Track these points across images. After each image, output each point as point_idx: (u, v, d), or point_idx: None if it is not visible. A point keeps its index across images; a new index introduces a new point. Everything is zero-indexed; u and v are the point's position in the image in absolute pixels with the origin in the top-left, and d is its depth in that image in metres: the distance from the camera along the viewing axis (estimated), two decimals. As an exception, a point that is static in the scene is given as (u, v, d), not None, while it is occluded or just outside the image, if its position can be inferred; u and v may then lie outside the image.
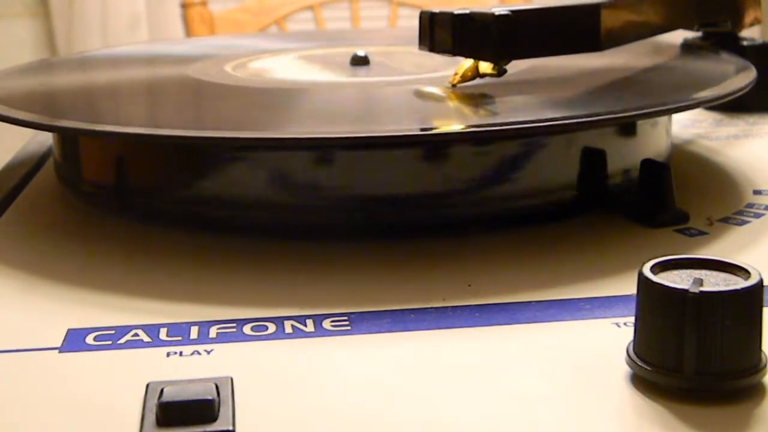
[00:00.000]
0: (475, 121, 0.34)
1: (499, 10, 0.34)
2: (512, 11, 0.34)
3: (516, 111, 0.34)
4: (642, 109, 0.31)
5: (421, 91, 0.37)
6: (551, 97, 0.36)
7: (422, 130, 0.31)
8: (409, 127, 0.32)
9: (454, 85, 0.37)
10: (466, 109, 0.35)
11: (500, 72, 0.36)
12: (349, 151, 0.32)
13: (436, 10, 0.36)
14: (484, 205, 0.33)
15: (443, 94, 0.36)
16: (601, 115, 0.31)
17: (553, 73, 0.40)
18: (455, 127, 0.32)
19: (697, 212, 0.34)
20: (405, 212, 0.32)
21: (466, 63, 0.37)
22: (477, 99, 0.35)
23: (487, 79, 0.37)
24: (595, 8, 0.37)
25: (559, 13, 0.37)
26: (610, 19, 0.37)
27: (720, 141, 0.45)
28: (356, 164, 0.32)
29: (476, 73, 0.36)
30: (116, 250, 0.32)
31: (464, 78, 0.37)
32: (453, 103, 0.35)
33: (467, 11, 0.35)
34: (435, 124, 0.33)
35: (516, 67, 0.39)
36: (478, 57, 0.36)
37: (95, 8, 1.45)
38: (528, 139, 0.33)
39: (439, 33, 0.36)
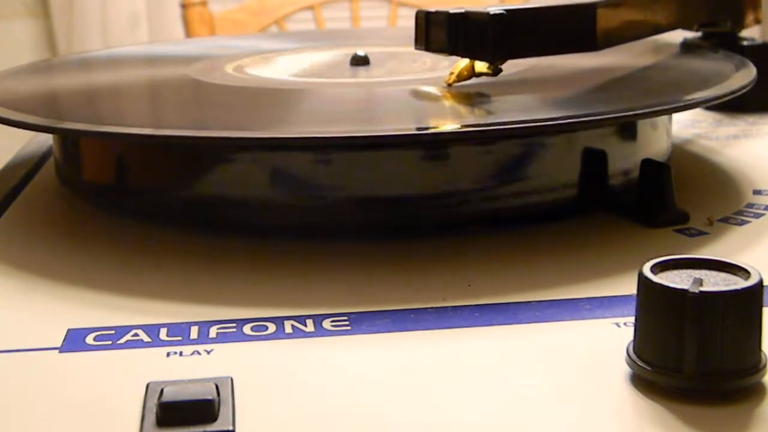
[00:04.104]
0: (472, 120, 0.34)
1: (495, 9, 0.34)
2: (507, 11, 0.34)
3: (513, 111, 0.34)
4: (641, 108, 0.31)
5: (417, 91, 0.37)
6: (549, 97, 0.36)
7: (419, 129, 0.31)
8: (406, 127, 0.32)
9: (450, 85, 0.37)
10: (463, 109, 0.35)
11: (496, 71, 0.36)
12: (348, 151, 0.32)
13: (433, 9, 0.36)
14: (484, 205, 0.33)
15: (440, 94, 0.36)
16: (600, 115, 0.31)
17: (551, 73, 0.40)
18: (451, 126, 0.32)
19: (697, 212, 0.34)
20: (405, 212, 0.32)
21: (462, 62, 0.37)
22: (474, 98, 0.35)
23: (484, 79, 0.37)
24: (591, 8, 0.37)
25: (555, 13, 0.37)
26: (606, 19, 0.37)
27: (720, 141, 0.45)
28: (356, 164, 0.32)
29: (472, 73, 0.36)
30: (116, 250, 0.32)
31: (460, 77, 0.37)
32: (450, 103, 0.35)
33: (463, 10, 0.35)
34: (432, 123, 0.33)
35: (514, 66, 0.39)
36: (473, 56, 0.36)
37: (95, 8, 1.45)
38: (528, 139, 0.33)
39: (435, 32, 0.36)
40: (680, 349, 0.20)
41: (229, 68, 0.44)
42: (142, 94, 0.43)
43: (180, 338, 0.25)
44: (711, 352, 0.20)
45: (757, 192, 0.37)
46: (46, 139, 0.49)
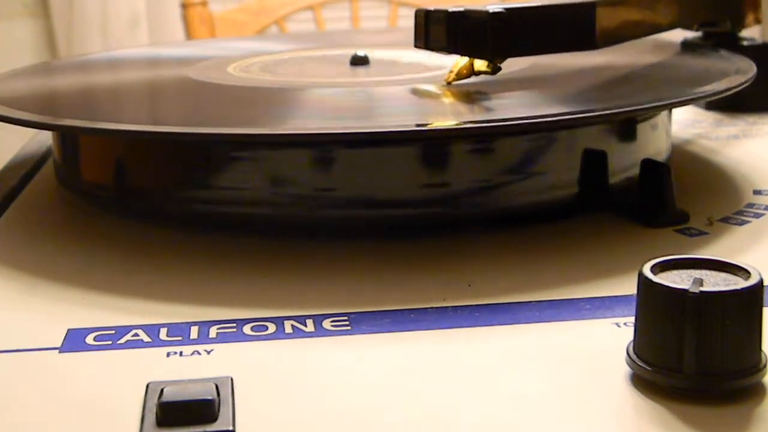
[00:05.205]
0: (471, 118, 0.34)
1: (494, 7, 0.34)
2: (507, 9, 0.34)
3: (512, 109, 0.34)
4: (639, 105, 0.31)
5: (417, 90, 0.37)
6: (548, 95, 0.36)
7: (418, 126, 0.31)
8: (405, 124, 0.32)
9: (449, 83, 0.37)
10: (462, 107, 0.35)
11: (495, 70, 0.36)
12: (348, 150, 0.32)
13: (432, 7, 0.36)
14: (484, 205, 0.33)
15: (439, 92, 0.36)
16: (598, 111, 0.31)
17: (550, 72, 0.40)
18: (451, 123, 0.32)
19: (697, 212, 0.34)
20: (405, 212, 0.32)
21: (462, 61, 0.37)
22: (473, 97, 0.35)
23: (483, 77, 0.37)
24: (591, 7, 0.37)
25: (554, 12, 0.37)
26: (606, 18, 0.37)
27: (720, 141, 0.45)
28: (355, 163, 0.32)
29: (471, 71, 0.36)
30: (116, 250, 0.32)
31: (459, 76, 0.37)
32: (449, 101, 0.35)
33: (462, 9, 0.35)
34: (431, 121, 0.33)
35: (514, 65, 0.39)
36: (472, 55, 0.36)
37: (95, 9, 1.45)
38: (528, 138, 0.33)
39: (434, 31, 0.36)
40: (680, 349, 0.20)
41: (230, 68, 0.44)
42: (142, 94, 0.43)
43: (180, 338, 0.25)
44: (711, 352, 0.20)
45: (757, 192, 0.37)
46: (46, 140, 0.49)
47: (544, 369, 0.23)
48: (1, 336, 0.25)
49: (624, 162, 0.35)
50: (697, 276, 0.22)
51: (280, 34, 1.04)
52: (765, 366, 0.21)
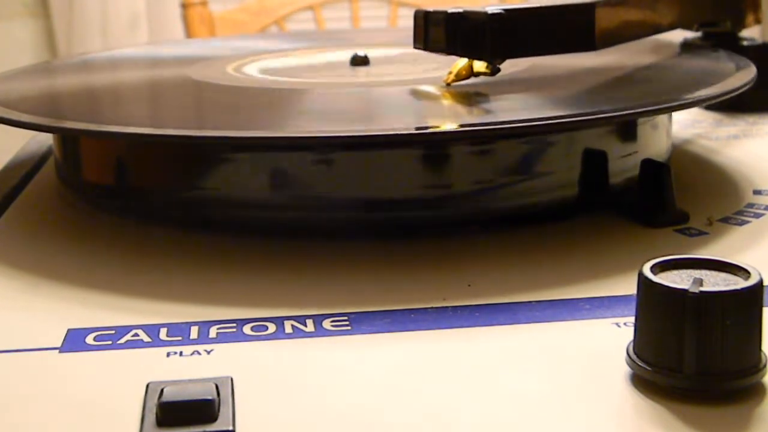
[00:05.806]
0: (470, 120, 0.34)
1: (493, 9, 0.34)
2: (505, 10, 0.34)
3: (511, 110, 0.34)
4: (641, 107, 0.31)
5: (416, 91, 0.37)
6: (548, 96, 0.36)
7: (417, 129, 0.31)
8: (405, 127, 0.32)
9: (448, 84, 0.37)
10: (461, 108, 0.35)
11: (494, 71, 0.36)
12: (348, 151, 0.32)
13: (431, 8, 0.36)
14: (484, 205, 0.33)
15: (438, 93, 0.36)
16: (598, 114, 0.31)
17: (549, 73, 0.40)
18: (450, 126, 0.32)
19: (697, 212, 0.34)
20: (405, 212, 0.32)
21: (461, 62, 0.37)
22: (472, 98, 0.35)
23: (482, 78, 0.37)
24: (590, 7, 0.37)
25: (553, 12, 0.37)
26: (605, 19, 0.37)
27: (720, 141, 0.45)
28: (355, 164, 0.32)
29: (470, 72, 0.37)
30: (116, 250, 0.32)
31: (459, 77, 0.37)
32: (448, 102, 0.35)
33: (461, 10, 0.35)
34: (430, 123, 0.33)
35: (513, 66, 0.39)
36: (472, 56, 0.36)
37: (95, 8, 1.45)
38: (528, 138, 0.33)
39: (433, 32, 0.36)
40: (680, 349, 0.20)
41: (229, 68, 0.44)
42: (142, 95, 0.43)
43: (180, 338, 0.25)
44: (711, 352, 0.20)
45: (757, 192, 0.37)
46: (46, 139, 0.49)
47: (544, 369, 0.23)
48: (1, 336, 0.25)
49: (624, 162, 0.35)
50: (697, 276, 0.22)
51: (280, 34, 1.04)
52: (765, 366, 0.21)
